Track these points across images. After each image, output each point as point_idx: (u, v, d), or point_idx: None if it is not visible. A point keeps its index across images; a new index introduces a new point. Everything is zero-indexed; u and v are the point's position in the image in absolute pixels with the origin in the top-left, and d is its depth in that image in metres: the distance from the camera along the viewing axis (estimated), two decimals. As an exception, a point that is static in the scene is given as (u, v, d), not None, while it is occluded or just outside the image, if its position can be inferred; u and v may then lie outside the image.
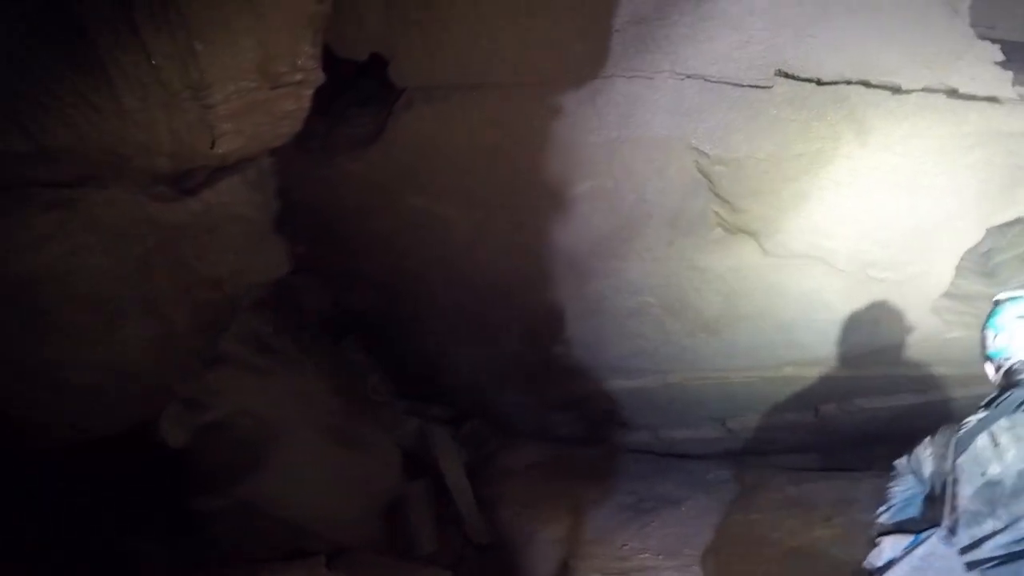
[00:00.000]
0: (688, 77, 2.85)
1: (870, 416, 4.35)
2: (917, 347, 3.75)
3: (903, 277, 3.26)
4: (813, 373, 4.14)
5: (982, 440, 1.41)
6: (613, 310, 3.97)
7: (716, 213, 3.18)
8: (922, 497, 1.60)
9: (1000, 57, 2.68)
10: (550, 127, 3.12)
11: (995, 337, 1.60)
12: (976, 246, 3.51)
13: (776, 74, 2.77)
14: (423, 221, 3.53)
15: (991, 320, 1.64)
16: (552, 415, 6.02)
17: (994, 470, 1.35)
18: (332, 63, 2.67)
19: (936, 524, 1.45)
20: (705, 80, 2.85)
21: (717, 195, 3.10)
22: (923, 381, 3.99)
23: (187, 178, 2.18)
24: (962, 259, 3.65)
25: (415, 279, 4.00)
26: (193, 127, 1.84)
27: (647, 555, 3.31)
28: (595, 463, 5.65)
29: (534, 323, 4.23)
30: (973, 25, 2.70)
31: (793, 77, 2.77)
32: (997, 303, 1.67)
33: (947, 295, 3.61)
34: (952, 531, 1.38)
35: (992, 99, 2.73)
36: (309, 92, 2.17)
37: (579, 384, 5.18)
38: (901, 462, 1.72)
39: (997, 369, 1.60)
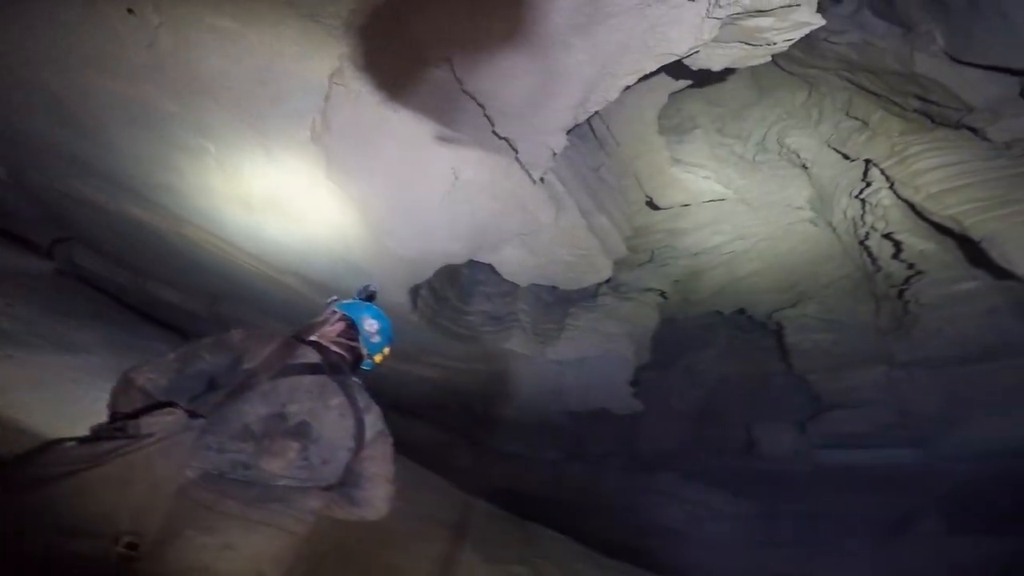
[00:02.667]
0: None
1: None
2: (389, 312, 5.22)
3: (410, 256, 4.55)
4: (310, 292, 5.12)
5: (309, 381, 1.68)
6: (171, 138, 3.96)
7: (313, 121, 3.74)
8: (208, 377, 1.65)
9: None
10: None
11: (377, 331, 2.02)
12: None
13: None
14: None
15: (384, 322, 2.07)
16: (19, 210, 5.25)
17: (292, 408, 1.61)
18: None
19: (193, 411, 1.53)
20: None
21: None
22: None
23: None
24: (464, 271, 5.31)
25: None
26: None
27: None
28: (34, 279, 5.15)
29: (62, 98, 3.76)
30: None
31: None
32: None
33: (428, 287, 5.23)
34: (212, 430, 1.50)
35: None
36: None
37: (82, 187, 4.76)
38: (232, 338, 1.73)
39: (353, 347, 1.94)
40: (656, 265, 6.76)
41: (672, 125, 6.34)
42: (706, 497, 7.16)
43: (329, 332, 1.92)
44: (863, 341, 6.77)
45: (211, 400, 1.57)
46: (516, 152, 3.72)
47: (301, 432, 1.60)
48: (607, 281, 6.40)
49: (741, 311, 7.16)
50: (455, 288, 5.86)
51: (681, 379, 7.07)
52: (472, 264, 5.33)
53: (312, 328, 1.93)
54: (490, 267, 5.34)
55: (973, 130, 5.16)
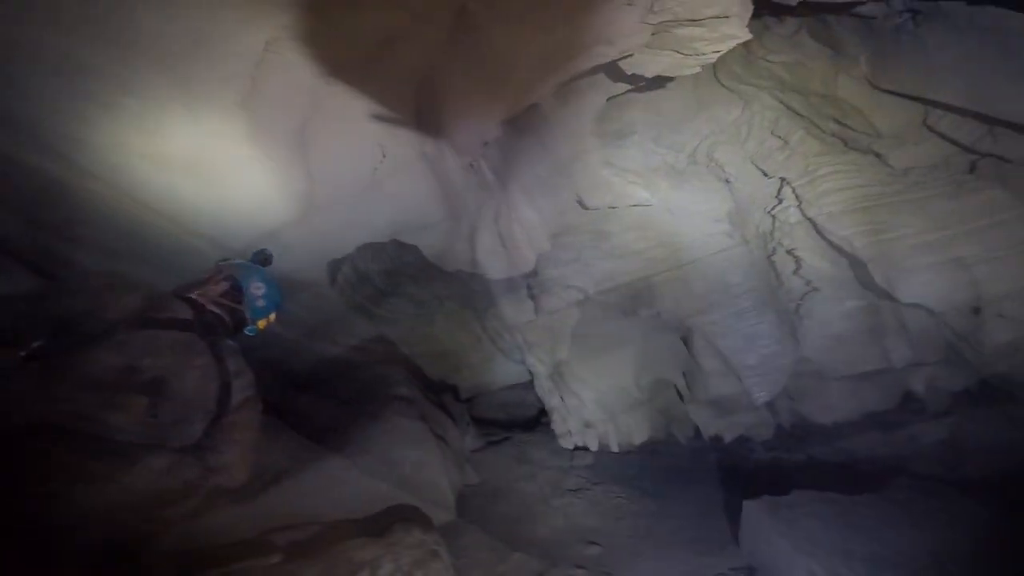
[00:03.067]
0: None
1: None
2: (305, 286, 5.17)
3: (331, 230, 4.49)
4: (218, 256, 4.96)
5: (174, 337, 1.67)
6: (91, 91, 3.68)
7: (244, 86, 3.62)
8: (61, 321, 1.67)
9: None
10: None
11: (263, 295, 2.06)
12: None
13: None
14: None
15: (273, 288, 2.09)
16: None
17: (147, 362, 1.62)
18: None
19: (31, 354, 1.54)
20: None
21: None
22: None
23: None
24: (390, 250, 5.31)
25: None
26: None
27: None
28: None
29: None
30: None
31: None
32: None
33: (350, 263, 5.21)
34: (54, 376, 1.50)
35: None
36: None
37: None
38: (93, 283, 1.84)
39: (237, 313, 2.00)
40: (581, 264, 7.01)
41: (613, 129, 6.54)
42: (613, 494, 7.47)
43: (211, 291, 1.88)
44: (762, 351, 7.32)
45: (57, 345, 1.50)
46: (449, 137, 3.79)
47: (154, 388, 1.53)
48: (531, 275, 6.57)
49: (657, 315, 7.56)
50: (379, 267, 5.84)
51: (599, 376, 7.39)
52: (398, 245, 5.34)
53: (194, 285, 1.88)
54: (416, 249, 5.36)
55: (879, 155, 5.62)
